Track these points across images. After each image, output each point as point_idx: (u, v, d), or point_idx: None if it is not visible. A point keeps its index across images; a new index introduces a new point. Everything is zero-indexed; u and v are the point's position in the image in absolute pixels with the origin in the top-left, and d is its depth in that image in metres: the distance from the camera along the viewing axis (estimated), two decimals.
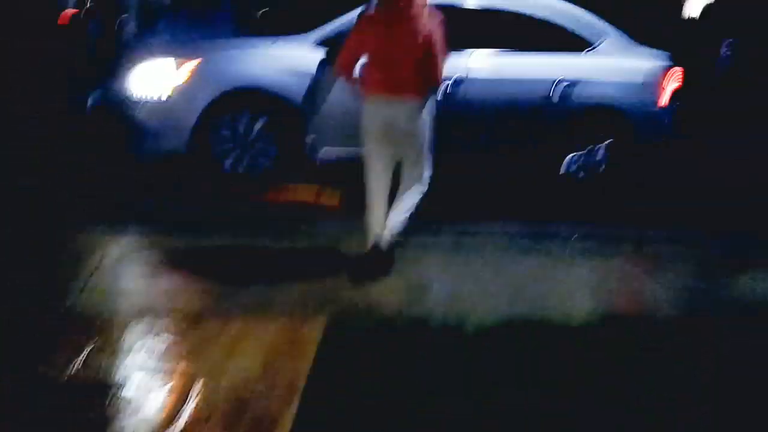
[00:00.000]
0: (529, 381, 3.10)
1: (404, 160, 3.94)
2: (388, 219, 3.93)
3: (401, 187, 3.98)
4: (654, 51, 5.68)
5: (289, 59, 4.88)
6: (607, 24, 5.57)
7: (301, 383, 2.88)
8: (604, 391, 3.09)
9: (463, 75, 5.08)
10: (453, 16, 4.33)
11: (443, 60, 3.80)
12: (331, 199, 5.12)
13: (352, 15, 4.92)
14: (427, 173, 4.01)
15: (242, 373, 2.90)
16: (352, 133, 4.90)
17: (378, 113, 3.79)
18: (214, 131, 4.84)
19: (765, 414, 3.07)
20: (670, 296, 4.05)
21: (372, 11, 3.78)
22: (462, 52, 5.04)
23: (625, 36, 5.60)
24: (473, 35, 5.10)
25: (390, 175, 3.95)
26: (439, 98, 4.18)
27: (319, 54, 4.89)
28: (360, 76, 3.85)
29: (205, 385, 2.81)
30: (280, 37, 4.97)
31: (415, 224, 4.11)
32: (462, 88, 5.09)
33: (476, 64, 5.17)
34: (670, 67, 5.61)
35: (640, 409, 2.98)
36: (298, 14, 5.44)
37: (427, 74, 3.76)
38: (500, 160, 5.41)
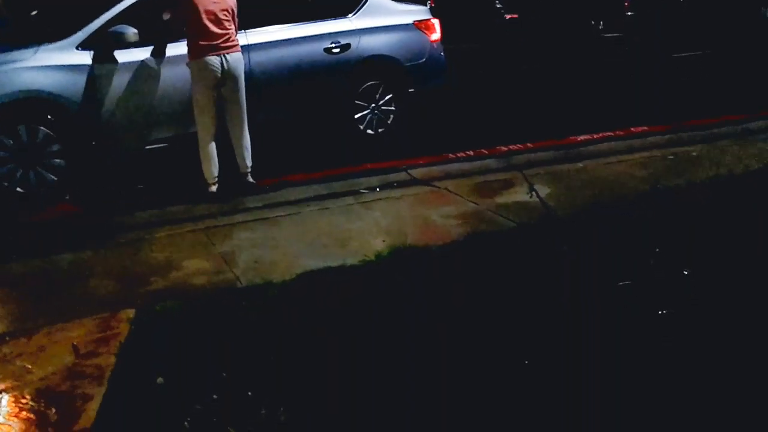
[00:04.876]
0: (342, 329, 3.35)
1: (231, 106, 4.92)
2: (240, 158, 5.01)
3: (235, 130, 4.97)
4: (412, 6, 6.19)
5: (55, 65, 4.77)
6: None
7: (107, 375, 2.97)
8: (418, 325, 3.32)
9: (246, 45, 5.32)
10: None
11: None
12: None
13: (105, 15, 4.93)
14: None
15: (46, 381, 2.95)
16: (143, 124, 5.04)
17: (211, 67, 4.78)
18: None
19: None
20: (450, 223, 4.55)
21: None
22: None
23: None
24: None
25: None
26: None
27: (84, 56, 4.84)
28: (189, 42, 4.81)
29: (9, 400, 2.83)
30: (42, 44, 4.85)
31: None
32: (248, 57, 5.30)
33: (259, 36, 5.46)
34: (429, 18, 6.15)
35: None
36: (53, 20, 5.34)
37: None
38: (296, 120, 5.72)
